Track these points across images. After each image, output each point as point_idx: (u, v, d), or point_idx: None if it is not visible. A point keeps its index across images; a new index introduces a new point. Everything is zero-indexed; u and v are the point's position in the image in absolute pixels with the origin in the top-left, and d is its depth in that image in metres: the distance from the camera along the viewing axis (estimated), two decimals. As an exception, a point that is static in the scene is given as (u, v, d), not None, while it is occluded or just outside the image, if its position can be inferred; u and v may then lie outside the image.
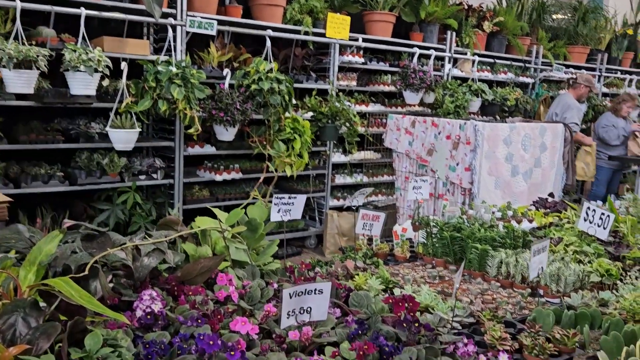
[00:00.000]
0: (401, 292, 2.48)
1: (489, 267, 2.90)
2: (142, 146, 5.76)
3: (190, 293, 2.14)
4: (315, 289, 1.88)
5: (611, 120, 7.97)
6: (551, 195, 4.52)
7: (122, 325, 1.83)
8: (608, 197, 3.77)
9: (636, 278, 2.85)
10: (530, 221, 3.81)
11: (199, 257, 2.35)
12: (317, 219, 7.04)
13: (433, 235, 3.16)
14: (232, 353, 1.69)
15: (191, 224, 2.52)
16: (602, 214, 3.21)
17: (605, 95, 10.08)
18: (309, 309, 1.89)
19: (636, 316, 2.41)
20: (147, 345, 1.70)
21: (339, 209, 7.14)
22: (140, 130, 5.02)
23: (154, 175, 5.49)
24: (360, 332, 1.94)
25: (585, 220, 3.27)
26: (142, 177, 5.42)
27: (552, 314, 2.40)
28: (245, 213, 2.65)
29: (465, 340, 1.89)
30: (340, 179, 7.17)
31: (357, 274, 2.67)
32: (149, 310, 1.93)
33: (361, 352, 1.75)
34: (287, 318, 1.86)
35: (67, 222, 2.11)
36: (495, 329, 2.03)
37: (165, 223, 2.45)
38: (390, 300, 2.09)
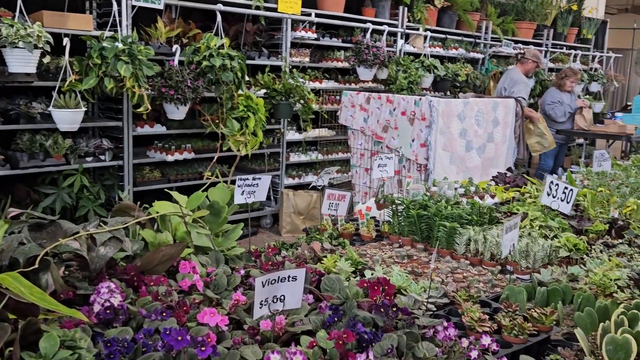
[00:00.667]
0: (372, 274, 2.40)
1: (457, 244, 2.85)
2: (88, 126, 5.47)
3: (152, 283, 2.00)
4: (289, 276, 1.76)
5: (556, 97, 8.08)
6: (509, 170, 4.53)
7: (79, 323, 1.67)
8: (568, 172, 3.78)
9: (601, 251, 2.85)
10: (492, 197, 3.79)
11: (159, 245, 2.20)
12: (272, 198, 6.91)
13: (399, 214, 3.09)
14: (203, 348, 1.56)
15: (149, 209, 2.36)
16: (565, 188, 3.20)
17: (551, 70, 10.24)
18: (282, 297, 1.78)
19: (606, 290, 2.40)
20: (109, 344, 1.56)
21: (295, 187, 7.03)
22: (86, 109, 4.76)
23: (102, 157, 5.23)
24: (335, 319, 1.84)
25: (548, 195, 3.26)
26: (89, 158, 5.16)
27: (524, 292, 2.36)
28: (207, 196, 2.51)
29: (445, 324, 1.82)
30: (294, 157, 7.05)
31: (325, 256, 2.58)
32: (107, 304, 1.78)
33: (340, 342, 1.66)
34: (260, 308, 1.74)
35: (12, 211, 1.92)
36: (473, 310, 1.97)
37: (120, 209, 2.29)
38: (365, 284, 2.00)
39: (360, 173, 6.46)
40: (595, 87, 10.51)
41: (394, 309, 1.86)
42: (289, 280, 1.77)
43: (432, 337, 1.83)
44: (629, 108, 10.24)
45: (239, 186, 2.50)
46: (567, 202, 3.21)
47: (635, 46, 14.34)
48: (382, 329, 1.85)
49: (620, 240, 3.02)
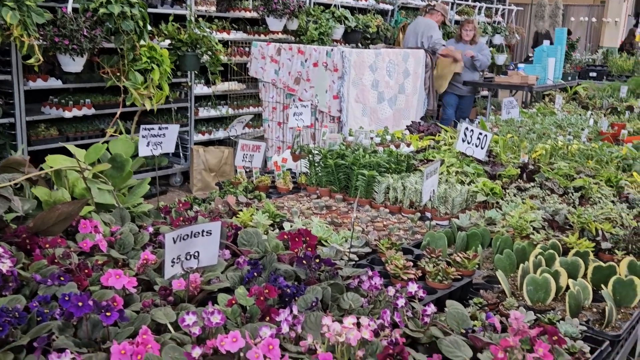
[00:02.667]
0: (292, 227, 2.29)
1: (376, 193, 2.79)
2: (-28, 81, 4.98)
3: (48, 246, 1.79)
4: (203, 231, 1.62)
5: (456, 48, 8.15)
6: (423, 119, 4.52)
7: (-39, 293, 1.46)
8: (481, 119, 3.80)
9: (515, 195, 2.88)
10: (408, 145, 3.76)
11: (55, 203, 1.98)
12: (181, 155, 6.64)
13: (316, 164, 2.98)
14: (108, 314, 1.40)
15: (42, 164, 2.11)
16: (480, 134, 3.21)
17: (457, 22, 10.38)
18: (196, 254, 1.63)
19: (523, 232, 2.42)
20: (-3, 315, 1.37)
21: (205, 143, 6.78)
22: (-33, 61, 4.30)
23: (-11, 114, 4.78)
24: (255, 274, 1.72)
25: (463, 141, 3.26)
26: (-25, 116, 4.70)
27: (444, 237, 2.34)
28: (108, 149, 2.29)
29: (370, 273, 1.74)
30: (204, 112, 6.78)
31: (241, 210, 2.44)
32: (-5, 271, 1.57)
33: (261, 298, 1.54)
34: (172, 266, 1.59)
35: None
36: (397, 258, 1.91)
37: (7, 165, 2.03)
38: (285, 237, 1.89)
39: (272, 127, 6.30)
40: (498, 39, 10.78)
41: (317, 260, 1.76)
42: (203, 236, 1.63)
43: (357, 287, 1.75)
44: (530, 59, 10.57)
45: (143, 137, 2.29)
46: (482, 148, 3.22)
47: (534, 0, 14.80)
48: (305, 282, 1.75)
49: (532, 184, 3.07)
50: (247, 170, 3.00)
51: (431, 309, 1.58)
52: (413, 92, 6.78)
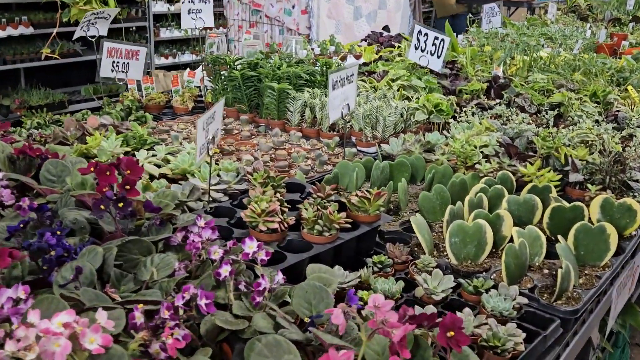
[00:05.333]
0: (152, 156, 1.70)
1: (290, 112, 2.17)
2: None
3: None
4: None
5: None
6: (386, 28, 3.84)
7: None
8: (446, 23, 3.13)
9: (473, 114, 2.26)
10: (358, 57, 3.10)
11: None
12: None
13: (222, 77, 2.35)
14: None
15: None
16: (436, 38, 2.54)
17: None
18: None
19: (469, 161, 1.81)
20: None
21: (167, 68, 6.12)
22: None
23: None
24: (22, 225, 1.14)
25: (416, 48, 2.60)
26: None
27: (361, 168, 1.74)
28: None
29: (202, 222, 1.16)
30: (166, 33, 6.11)
31: (100, 134, 1.84)
32: None
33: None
34: None
35: None
36: (261, 199, 1.31)
37: None
38: (92, 169, 1.29)
39: (239, 48, 5.63)
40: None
41: (121, 204, 1.17)
42: None
43: (181, 244, 1.17)
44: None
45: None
46: (438, 57, 2.57)
47: None
48: (109, 236, 1.18)
49: (498, 101, 2.44)
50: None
51: (265, 282, 1.00)
52: (396, 7, 6.02)
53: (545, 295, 1.29)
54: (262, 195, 1.34)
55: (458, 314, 1.12)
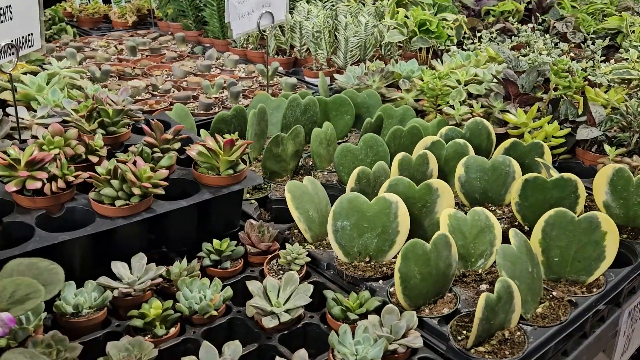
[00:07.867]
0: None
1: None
2: None
3: None
4: None
5: None
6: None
7: None
8: None
9: (490, 40, 1.66)
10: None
11: None
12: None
13: (172, -15, 1.87)
14: None
15: None
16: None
17: None
18: None
19: (441, 102, 1.26)
20: None
21: None
22: None
23: None
24: None
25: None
26: None
27: (277, 105, 1.23)
28: None
29: None
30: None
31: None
32: None
33: None
34: None
35: None
36: (51, 142, 0.86)
37: None
38: None
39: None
40: None
41: None
42: None
43: None
44: None
45: None
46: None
47: None
48: None
49: (531, 25, 1.81)
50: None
51: None
52: None
53: (466, 331, 0.77)
54: (52, 137, 0.88)
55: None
